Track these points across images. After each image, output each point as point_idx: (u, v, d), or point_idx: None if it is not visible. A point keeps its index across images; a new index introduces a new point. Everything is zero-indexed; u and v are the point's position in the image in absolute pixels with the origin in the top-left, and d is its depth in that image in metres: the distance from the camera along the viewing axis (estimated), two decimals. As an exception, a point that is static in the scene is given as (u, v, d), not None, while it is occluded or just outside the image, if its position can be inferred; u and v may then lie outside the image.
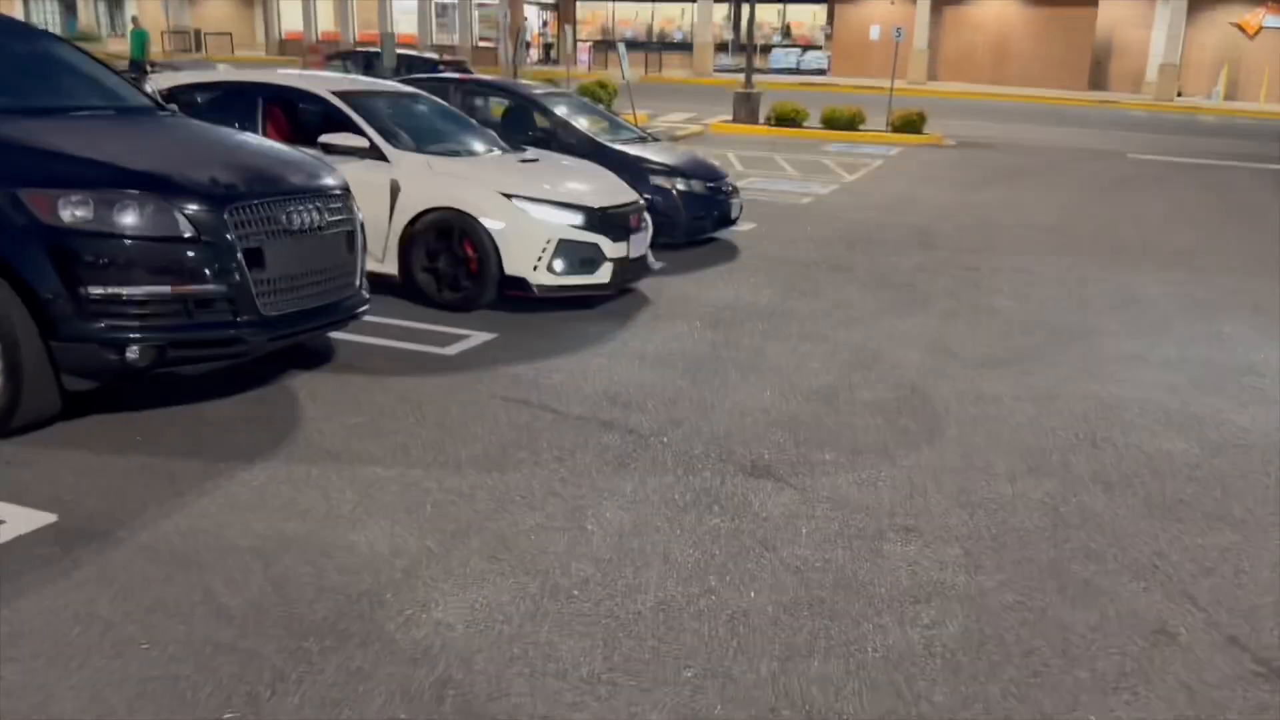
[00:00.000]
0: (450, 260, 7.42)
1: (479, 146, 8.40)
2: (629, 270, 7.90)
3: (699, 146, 19.43)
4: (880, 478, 4.82)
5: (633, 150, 10.16)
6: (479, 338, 6.78)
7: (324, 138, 7.42)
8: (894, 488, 4.72)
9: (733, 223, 10.51)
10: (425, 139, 8.12)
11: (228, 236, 4.72)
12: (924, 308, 8.32)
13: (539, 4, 47.77)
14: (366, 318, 6.12)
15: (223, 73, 8.52)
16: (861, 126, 23.28)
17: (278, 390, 5.56)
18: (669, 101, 29.46)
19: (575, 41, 38.85)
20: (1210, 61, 37.82)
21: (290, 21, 50.47)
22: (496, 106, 11.16)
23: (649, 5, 45.51)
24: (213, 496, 4.25)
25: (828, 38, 42.07)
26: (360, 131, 7.58)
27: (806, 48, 42.63)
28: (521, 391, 5.77)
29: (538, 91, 10.77)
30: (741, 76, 25.75)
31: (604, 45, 42.10)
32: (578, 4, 46.61)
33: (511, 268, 7.30)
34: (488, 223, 7.25)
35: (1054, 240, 11.68)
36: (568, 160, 8.69)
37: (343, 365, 6.06)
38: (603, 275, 7.58)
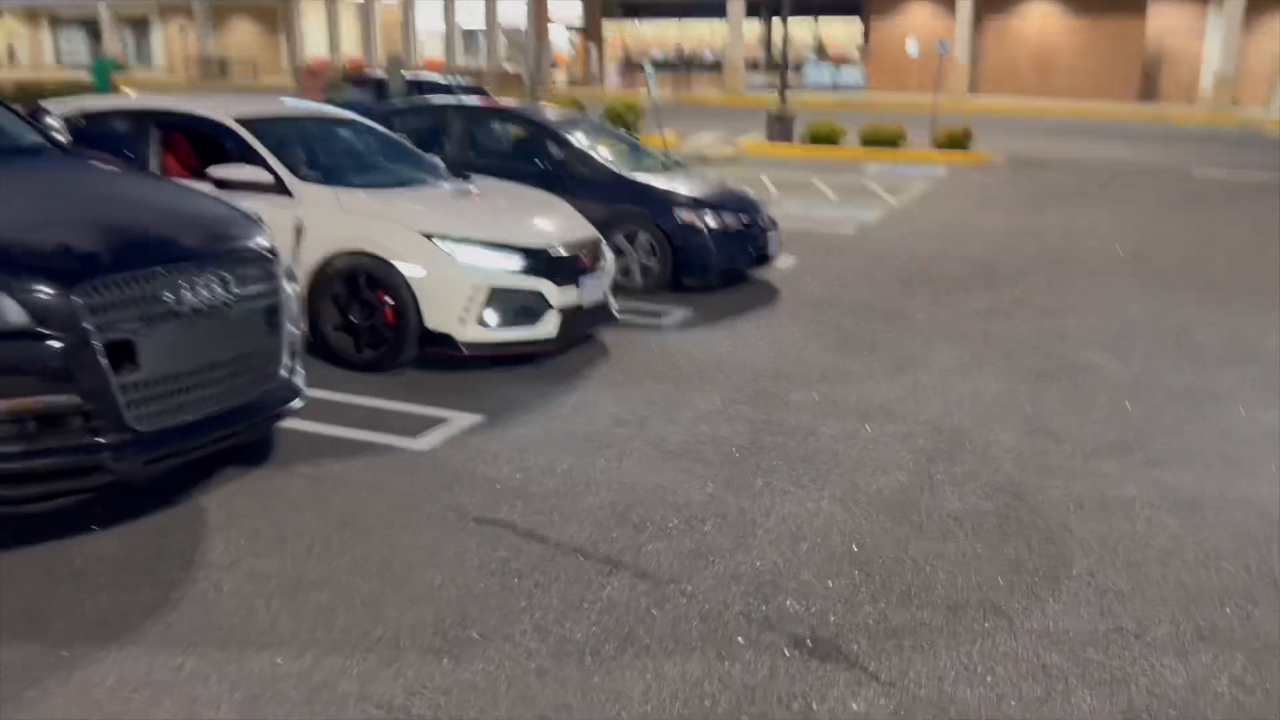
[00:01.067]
0: (364, 313, 6.16)
1: (412, 177, 7.13)
2: (583, 320, 6.64)
3: (730, 169, 18.11)
4: (998, 655, 3.41)
5: (656, 181, 8.83)
6: (460, 421, 5.44)
7: (216, 170, 6.18)
8: (1020, 674, 3.30)
9: (771, 260, 9.12)
10: (345, 170, 6.92)
11: (82, 326, 3.42)
12: (1006, 367, 6.89)
13: (567, 26, 46.79)
14: (325, 394, 4.81)
15: (117, 99, 7.27)
16: (903, 145, 21.85)
17: (182, 512, 4.24)
18: (699, 122, 28.16)
19: (602, 62, 37.83)
20: (1267, 71, 36.03)
21: (314, 47, 49.87)
22: (509, 136, 9.90)
23: (678, 24, 44.38)
24: (32, 712, 2.93)
25: (863, 53, 40.68)
26: (262, 163, 6.34)
27: (841, 64, 41.25)
28: (503, 507, 4.41)
29: (549, 117, 9.46)
30: (775, 95, 24.45)
31: (632, 66, 40.98)
32: (604, 24, 45.59)
33: (434, 321, 6.03)
34: (404, 268, 5.98)
35: (1137, 273, 10.19)
36: (523, 191, 7.41)
37: (281, 466, 4.75)
38: (547, 328, 6.30)
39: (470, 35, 47.28)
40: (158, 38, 58.64)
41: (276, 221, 6.22)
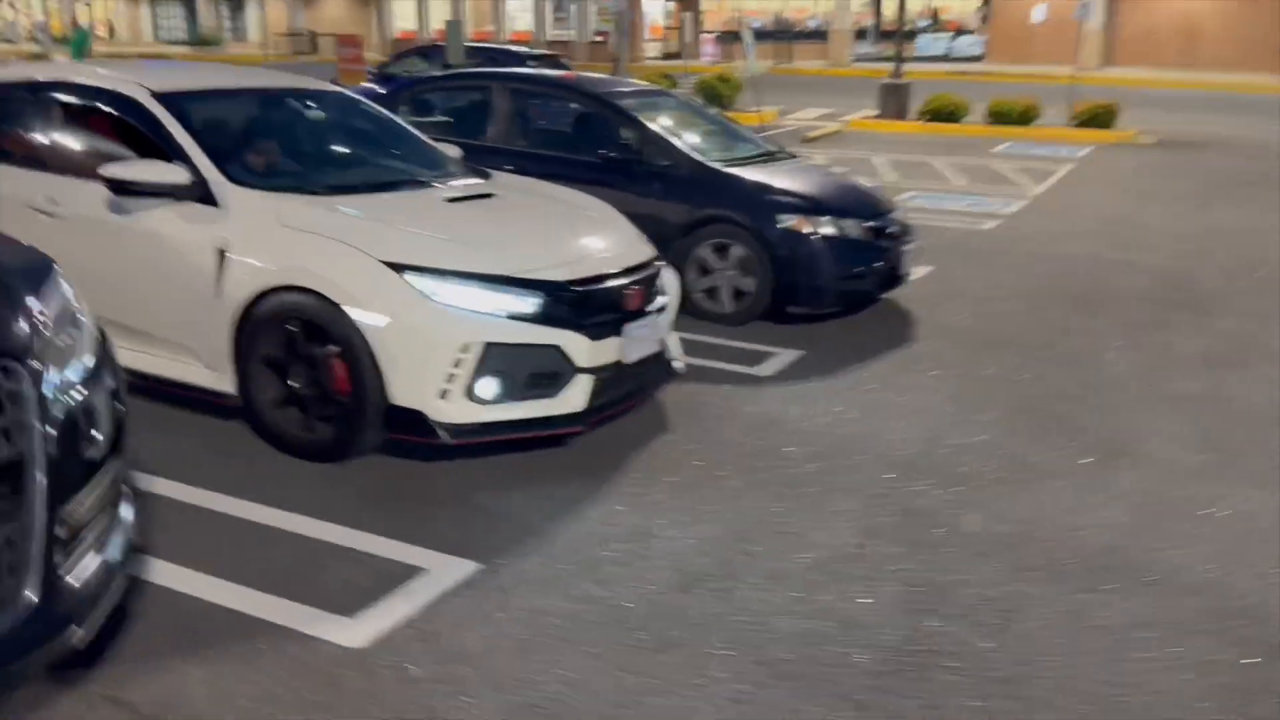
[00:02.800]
0: (307, 376, 4.23)
1: (400, 176, 5.18)
2: (626, 381, 4.55)
3: (837, 149, 15.85)
4: None
5: (755, 175, 6.73)
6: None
7: (110, 168, 4.36)
8: None
9: (903, 280, 6.94)
10: (304, 167, 5.02)
11: None
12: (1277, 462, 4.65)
13: (662, -6, 44.49)
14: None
15: (15, 69, 5.42)
16: (1036, 121, 19.21)
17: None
18: (801, 96, 25.74)
19: (698, 32, 35.55)
20: None
21: (404, 20, 48.59)
22: (568, 116, 7.89)
23: (780, -9, 41.71)
24: None
25: (983, 20, 37.45)
26: (180, 155, 4.47)
27: (958, 32, 38.05)
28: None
29: (621, 91, 7.38)
30: (884, 66, 21.94)
31: (729, 37, 38.53)
32: (702, -8, 43.14)
33: (402, 392, 4.07)
34: (358, 315, 4.02)
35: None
36: (555, 194, 5.34)
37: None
38: (571, 399, 4.27)
39: (561, 5, 45.34)
40: (252, 12, 58.15)
41: (190, 242, 4.38)
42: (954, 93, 20.54)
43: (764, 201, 6.47)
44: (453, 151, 5.70)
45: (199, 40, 52.89)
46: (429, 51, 17.70)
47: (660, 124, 7.01)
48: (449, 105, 7.97)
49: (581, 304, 4.28)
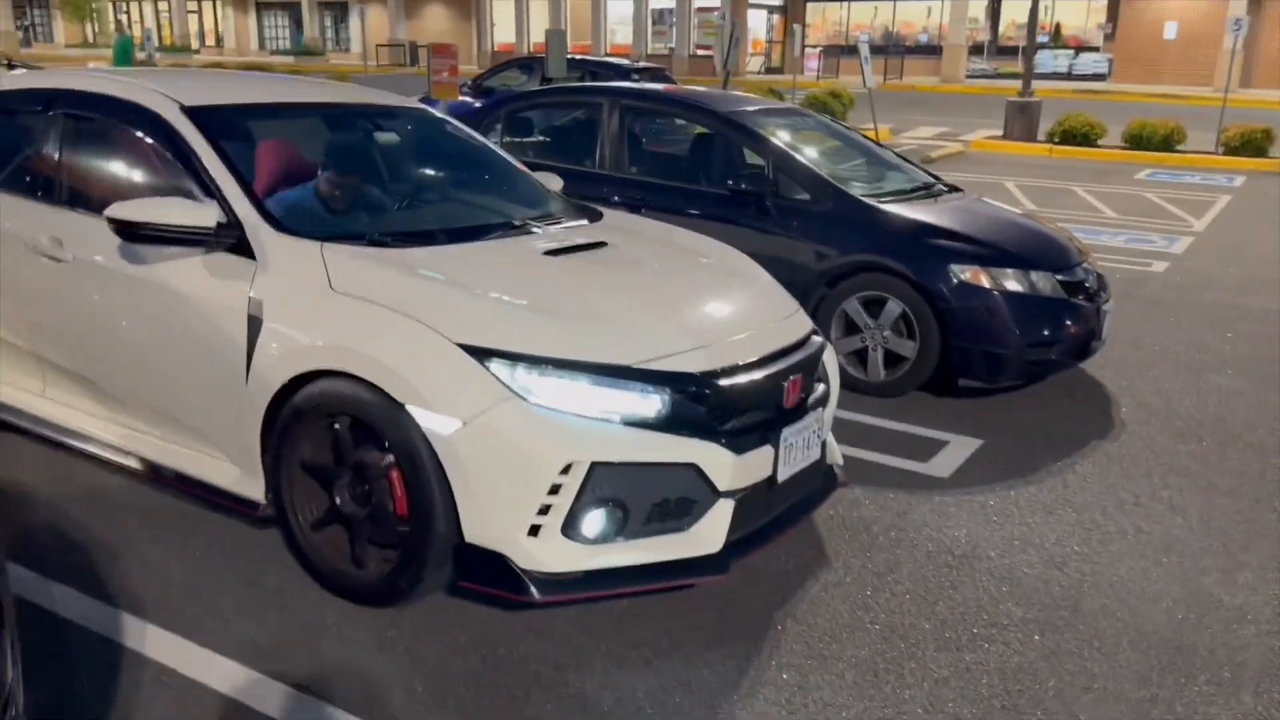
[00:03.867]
0: (356, 490, 3.16)
1: (489, 218, 4.08)
2: (775, 503, 3.36)
3: (962, 172, 14.46)
4: None
5: (915, 213, 5.51)
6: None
7: (120, 209, 3.33)
8: None
9: (1099, 348, 5.60)
10: (363, 207, 3.95)
11: None
12: None
13: (766, 7, 43.23)
14: None
15: (31, 77, 4.45)
16: (1179, 146, 17.49)
17: None
18: (914, 113, 24.30)
19: (803, 45, 34.22)
20: None
21: (504, 33, 48.22)
22: (684, 137, 6.78)
23: (889, 4, 40.12)
24: None
25: (1107, 37, 35.33)
26: (210, 189, 3.46)
27: (1079, 49, 36.02)
28: None
29: (750, 110, 6.19)
30: (1000, 83, 20.38)
31: (834, 51, 37.10)
32: (808, 5, 41.78)
33: (477, 527, 2.96)
34: (425, 418, 2.93)
35: None
36: (681, 241, 4.18)
37: None
38: (707, 534, 3.10)
39: (661, 18, 44.42)
40: (355, 22, 58.46)
41: (218, 304, 3.34)
42: (1085, 112, 18.92)
43: (931, 247, 5.24)
44: (553, 183, 4.62)
45: (302, 50, 53.29)
46: (528, 64, 16.80)
47: (798, 149, 5.83)
48: (549, 124, 6.93)
49: (725, 403, 3.12)
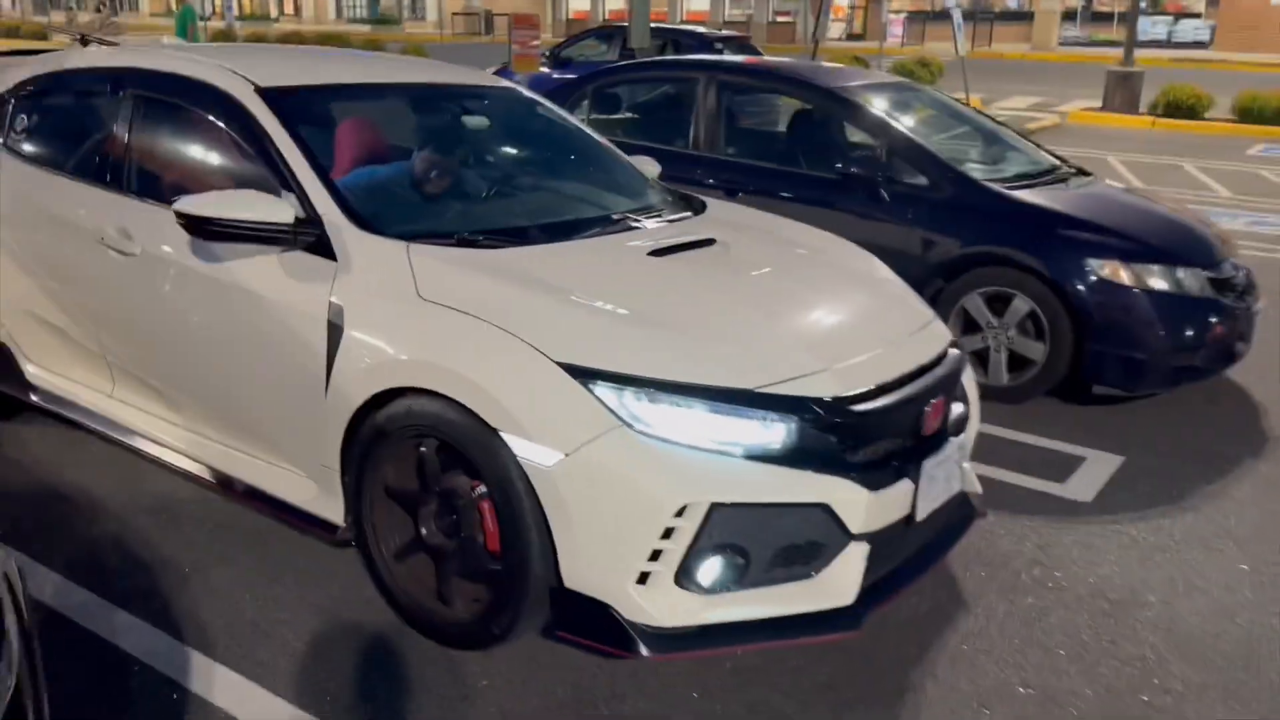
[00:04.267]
0: (444, 521, 2.84)
1: (586, 211, 3.70)
2: (910, 543, 2.93)
3: (1061, 146, 13.69)
4: None
5: (1044, 200, 5.01)
6: None
7: (189, 203, 3.01)
8: None
9: (1246, 351, 5.06)
10: (454, 201, 3.57)
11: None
12: None
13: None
14: None
15: (98, 55, 4.15)
16: (1296, 119, 16.46)
17: None
18: (1006, 82, 23.32)
19: (887, 14, 33.13)
20: None
21: (578, 2, 47.67)
22: (784, 115, 6.33)
23: (977, -31, 38.72)
24: None
25: (1210, 3, 33.67)
26: (289, 180, 3.14)
27: (1179, 15, 34.41)
28: None
29: (858, 85, 5.69)
30: (1095, 51, 19.42)
31: (919, 17, 35.95)
32: (891, -30, 40.55)
33: (578, 572, 2.60)
34: (522, 447, 2.58)
35: None
36: (800, 237, 3.73)
37: None
38: (838, 582, 2.69)
39: (740, -16, 43.47)
40: (431, -9, 58.37)
41: (296, 309, 3.02)
42: (1190, 83, 17.89)
43: (1065, 239, 4.75)
44: (649, 168, 4.23)
45: (378, 19, 53.33)
46: (607, 33, 16.36)
47: (913, 128, 5.35)
48: (638, 100, 6.53)
49: (859, 432, 2.72)
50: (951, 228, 4.95)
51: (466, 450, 2.68)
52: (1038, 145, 5.94)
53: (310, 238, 3.06)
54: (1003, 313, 4.87)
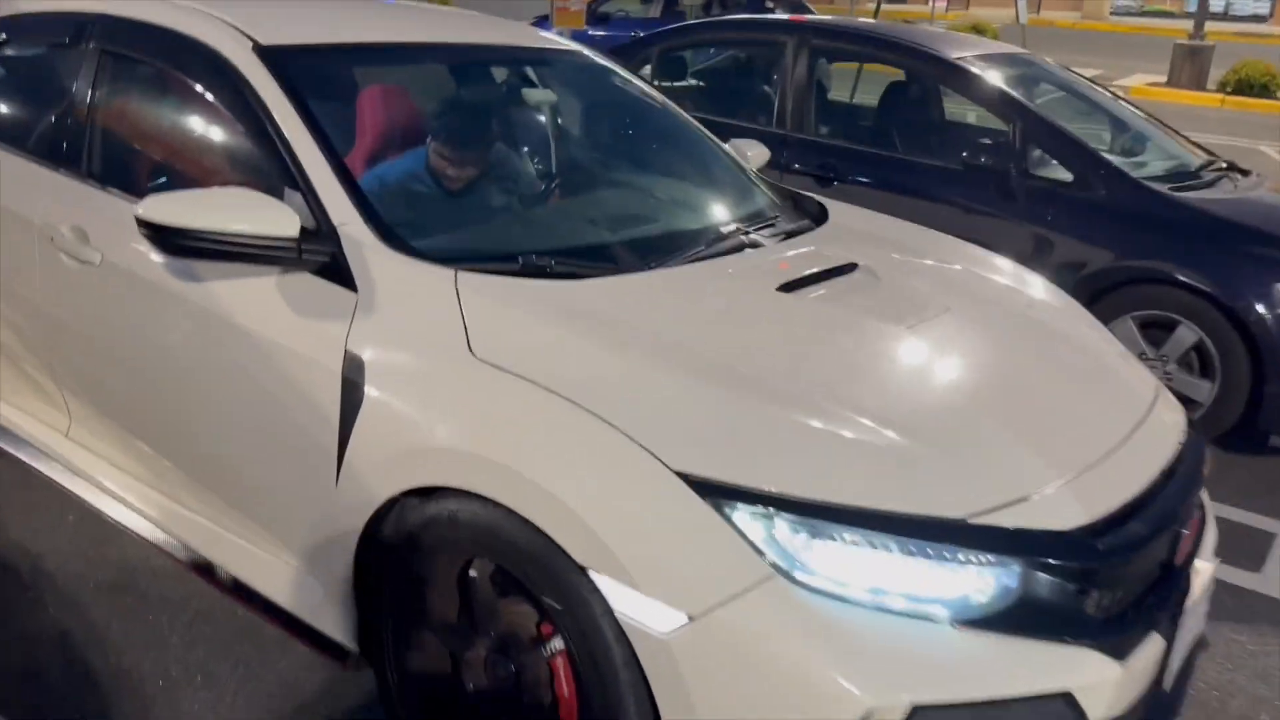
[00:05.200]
0: (499, 671, 1.98)
1: (680, 221, 2.80)
2: (1156, 712, 1.95)
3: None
4: None
5: (1214, 205, 4.12)
6: None
7: (153, 206, 2.13)
8: None
9: None
10: (512, 210, 2.74)
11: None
12: None
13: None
14: None
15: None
16: (1377, 100, 15.41)
17: None
18: (1059, 54, 21.93)
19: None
20: None
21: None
22: (886, 93, 5.41)
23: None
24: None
25: (1270, -28, 32.20)
26: (293, 177, 2.27)
27: (1236, -14, 32.96)
28: None
29: (972, 53, 4.76)
30: (1151, 23, 18.33)
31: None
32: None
33: None
34: (623, 600, 1.71)
35: None
36: (950, 251, 2.88)
37: None
38: None
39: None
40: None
41: (297, 360, 2.18)
42: (1263, 60, 16.77)
43: (1244, 255, 3.88)
44: (755, 153, 3.36)
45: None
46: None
47: (1052, 111, 4.46)
48: (709, 67, 5.63)
49: (1107, 574, 1.87)
50: (1103, 235, 4.07)
51: (536, 589, 1.85)
52: (1180, 135, 5.03)
53: (322, 257, 2.21)
54: (1162, 342, 4.01)
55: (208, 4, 2.81)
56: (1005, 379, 2.21)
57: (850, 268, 2.54)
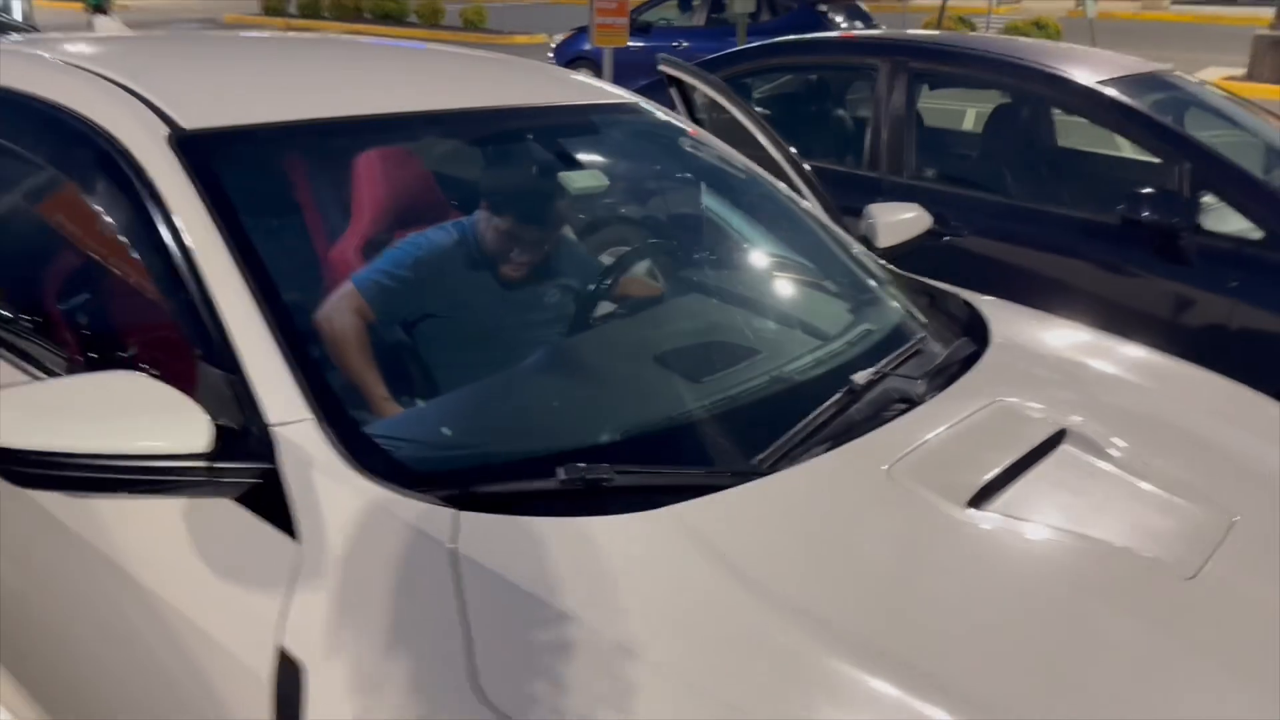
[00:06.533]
0: None
1: (803, 373, 1.83)
2: None
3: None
4: None
5: None
6: None
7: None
8: None
9: None
10: (542, 374, 1.69)
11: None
12: None
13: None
14: None
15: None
16: None
17: None
18: (1123, 46, 20.78)
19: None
20: None
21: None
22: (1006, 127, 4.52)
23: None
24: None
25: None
26: (209, 343, 1.47)
27: (1303, -31, 31.46)
28: None
29: (1111, 76, 3.81)
30: (1217, 12, 17.28)
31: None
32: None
33: None
34: None
35: None
36: (1171, 411, 1.86)
37: None
38: None
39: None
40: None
41: (209, 645, 1.31)
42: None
43: None
44: (909, 216, 2.50)
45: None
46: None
47: (1226, 147, 3.54)
48: (779, 94, 4.75)
49: None
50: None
51: None
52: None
53: (248, 478, 1.38)
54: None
55: (123, 62, 2.00)
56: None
57: (1056, 439, 1.67)
